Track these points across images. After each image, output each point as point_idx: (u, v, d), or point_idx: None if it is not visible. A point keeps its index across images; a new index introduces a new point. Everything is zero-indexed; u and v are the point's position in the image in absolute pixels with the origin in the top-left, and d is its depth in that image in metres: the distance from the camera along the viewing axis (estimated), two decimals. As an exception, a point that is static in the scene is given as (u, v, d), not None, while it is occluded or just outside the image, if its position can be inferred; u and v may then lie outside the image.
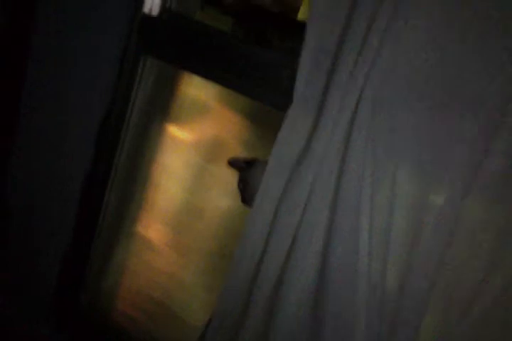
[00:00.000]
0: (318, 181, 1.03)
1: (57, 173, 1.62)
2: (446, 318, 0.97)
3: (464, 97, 0.86)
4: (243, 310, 1.20)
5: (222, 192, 1.49)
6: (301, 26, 1.35)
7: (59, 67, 1.50)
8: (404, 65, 0.88)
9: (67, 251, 1.64)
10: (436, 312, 0.98)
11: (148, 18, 1.34)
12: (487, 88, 0.83)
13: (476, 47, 0.84)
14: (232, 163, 1.26)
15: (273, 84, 1.17)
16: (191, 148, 1.54)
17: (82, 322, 1.69)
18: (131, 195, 1.61)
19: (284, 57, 1.16)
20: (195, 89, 1.48)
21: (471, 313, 0.93)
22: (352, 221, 1.01)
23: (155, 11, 1.35)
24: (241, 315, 1.20)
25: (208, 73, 1.31)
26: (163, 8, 1.35)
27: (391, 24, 0.88)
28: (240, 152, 1.42)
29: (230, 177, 1.30)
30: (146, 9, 1.33)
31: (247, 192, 1.23)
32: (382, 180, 0.98)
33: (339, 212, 1.02)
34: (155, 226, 1.63)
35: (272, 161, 1.09)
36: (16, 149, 1.67)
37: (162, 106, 1.51)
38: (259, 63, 1.20)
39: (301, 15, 1.59)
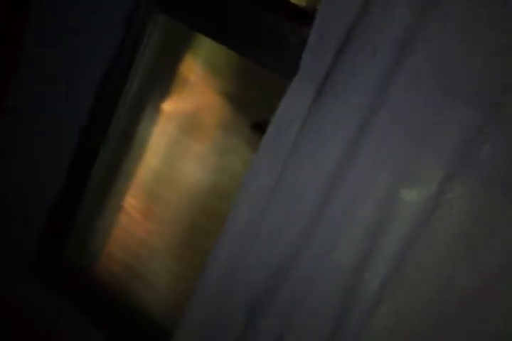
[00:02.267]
0: (313, 164, 1.03)
1: (53, 125, 1.61)
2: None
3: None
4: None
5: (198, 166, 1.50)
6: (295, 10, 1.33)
7: (65, 20, 1.50)
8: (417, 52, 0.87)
9: (55, 206, 1.64)
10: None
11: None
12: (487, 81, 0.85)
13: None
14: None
15: (279, 51, 1.18)
16: (173, 119, 1.54)
17: (63, 273, 1.70)
18: (121, 158, 1.62)
19: (292, 24, 1.17)
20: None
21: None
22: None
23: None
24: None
25: (218, 35, 1.32)
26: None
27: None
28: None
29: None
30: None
31: None
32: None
33: (330, 200, 1.01)
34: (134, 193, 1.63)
35: (271, 131, 1.08)
36: (11, 100, 1.65)
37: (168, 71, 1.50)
38: (267, 28, 1.21)
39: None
